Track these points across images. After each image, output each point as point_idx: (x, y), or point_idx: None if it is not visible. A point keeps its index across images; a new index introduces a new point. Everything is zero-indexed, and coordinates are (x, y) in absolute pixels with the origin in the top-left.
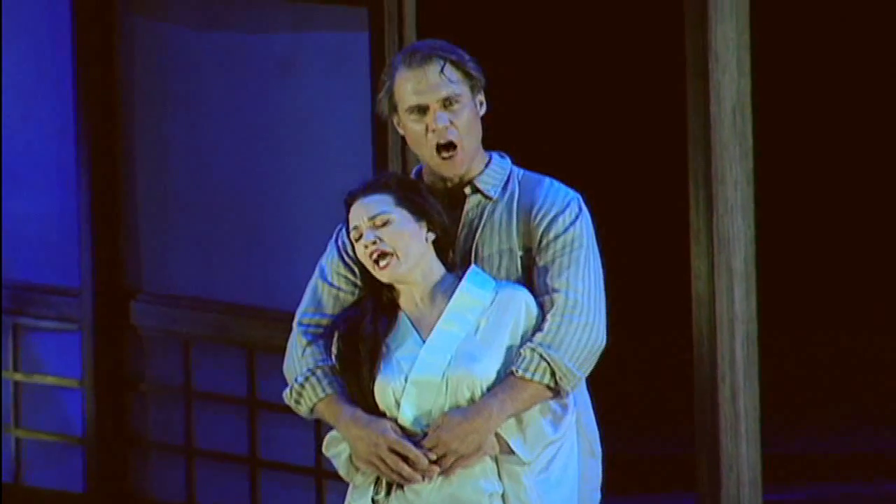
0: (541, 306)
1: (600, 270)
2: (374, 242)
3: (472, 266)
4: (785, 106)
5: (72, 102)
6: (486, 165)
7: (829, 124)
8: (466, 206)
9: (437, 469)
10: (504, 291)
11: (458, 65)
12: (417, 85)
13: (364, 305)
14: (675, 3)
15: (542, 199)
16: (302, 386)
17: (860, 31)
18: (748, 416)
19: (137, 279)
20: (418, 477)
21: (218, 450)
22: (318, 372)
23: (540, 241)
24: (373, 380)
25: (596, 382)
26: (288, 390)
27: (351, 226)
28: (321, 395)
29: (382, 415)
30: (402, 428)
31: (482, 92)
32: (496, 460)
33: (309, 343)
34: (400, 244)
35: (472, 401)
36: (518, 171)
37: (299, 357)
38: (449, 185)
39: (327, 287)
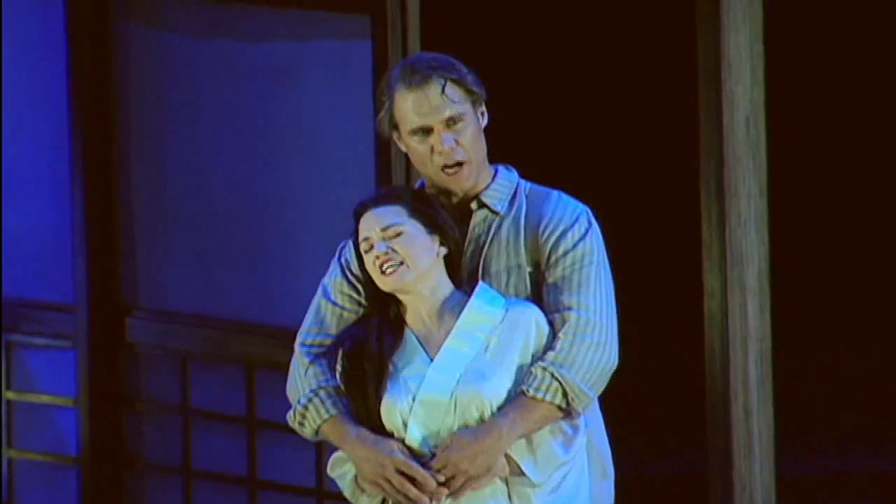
0: (551, 324)
1: (612, 287)
2: (386, 253)
3: (481, 283)
4: (800, 116)
5: (65, 113)
6: (493, 179)
7: (845, 135)
8: (473, 222)
9: (445, 491)
10: (514, 309)
11: (458, 83)
12: (419, 107)
13: (369, 322)
14: (686, 11)
15: (551, 214)
16: (305, 407)
17: (876, 38)
18: (762, 436)
19: (133, 294)
20: (426, 499)
21: (216, 470)
22: (322, 392)
23: (549, 258)
24: (379, 399)
25: (607, 402)
26: (291, 412)
27: (361, 237)
28: (325, 415)
29: (389, 435)
30: (409, 448)
31: (483, 104)
32: (506, 482)
33: (311, 363)
34: (411, 255)
35: (481, 421)
36: (525, 185)
37: (302, 378)
38: (454, 200)
39: (331, 306)
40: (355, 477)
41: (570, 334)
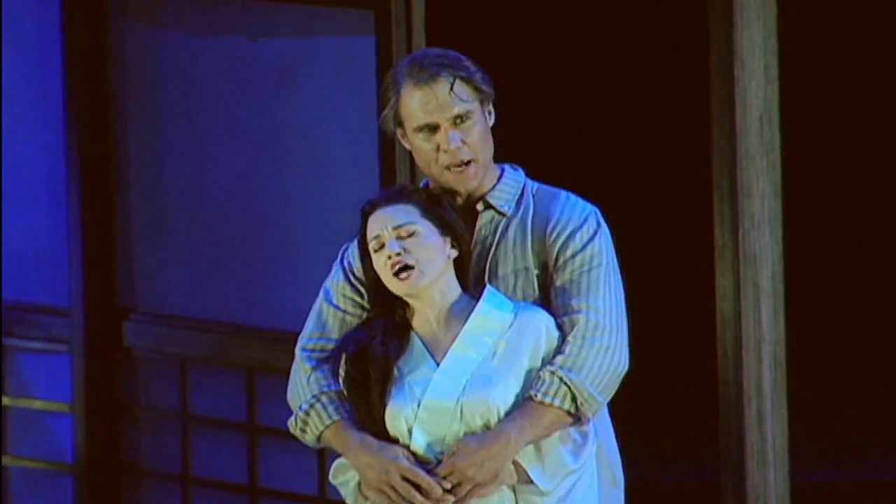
0: (559, 328)
1: (621, 290)
2: (399, 253)
3: (489, 286)
4: (815, 114)
5: (61, 113)
6: (499, 179)
7: (862, 133)
8: (479, 223)
9: (451, 498)
10: (523, 314)
11: (467, 80)
12: (426, 104)
13: (374, 326)
14: (698, 7)
15: (559, 215)
16: (307, 413)
17: (893, 34)
18: (776, 443)
19: (131, 298)
20: None
21: (216, 478)
22: (324, 398)
23: (557, 259)
24: (383, 405)
25: (617, 408)
26: (293, 419)
27: (371, 235)
28: (328, 421)
29: (393, 441)
30: (414, 455)
31: (491, 103)
32: (514, 490)
33: (313, 368)
34: (424, 257)
35: (487, 427)
36: (532, 185)
37: (303, 384)
38: (459, 200)
39: (332, 310)
40: (359, 484)
41: (580, 338)
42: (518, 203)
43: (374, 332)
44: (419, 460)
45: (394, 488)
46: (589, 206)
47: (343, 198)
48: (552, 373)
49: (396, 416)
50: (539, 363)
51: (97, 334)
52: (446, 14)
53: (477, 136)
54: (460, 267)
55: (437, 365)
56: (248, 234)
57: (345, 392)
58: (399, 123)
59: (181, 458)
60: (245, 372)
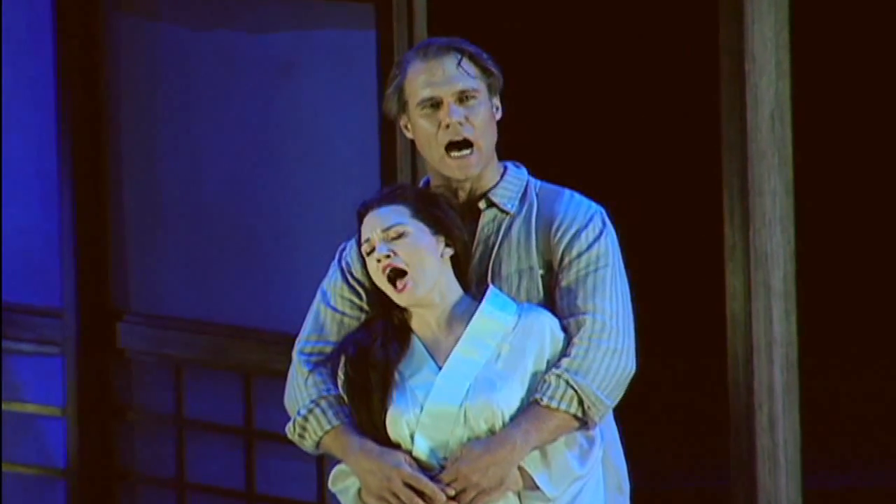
0: (565, 330)
1: (628, 290)
2: (388, 256)
3: (491, 287)
4: (828, 110)
5: (53, 109)
6: (502, 177)
7: (876, 130)
8: (481, 222)
9: None
10: (527, 316)
11: (475, 59)
12: (431, 77)
13: (374, 328)
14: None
15: (563, 214)
16: (305, 419)
17: None
18: (787, 447)
19: (125, 298)
20: None
21: (212, 484)
22: (323, 403)
23: (562, 260)
24: (384, 410)
25: (623, 412)
26: (290, 424)
27: (363, 238)
28: (327, 427)
29: (395, 447)
30: (416, 461)
31: (498, 95)
32: (519, 496)
33: (311, 372)
34: (414, 259)
35: (491, 432)
36: (536, 183)
37: (301, 388)
38: (461, 198)
39: (330, 312)
40: (359, 491)
41: (586, 340)
42: (521, 201)
43: (374, 335)
44: (422, 466)
45: (396, 495)
46: (594, 205)
47: (343, 196)
48: (558, 376)
49: (398, 421)
50: (544, 366)
51: (90, 336)
52: (449, 7)
53: (481, 117)
54: (459, 267)
55: (439, 368)
56: (245, 232)
57: (344, 396)
58: (402, 106)
59: (176, 463)
60: (242, 375)
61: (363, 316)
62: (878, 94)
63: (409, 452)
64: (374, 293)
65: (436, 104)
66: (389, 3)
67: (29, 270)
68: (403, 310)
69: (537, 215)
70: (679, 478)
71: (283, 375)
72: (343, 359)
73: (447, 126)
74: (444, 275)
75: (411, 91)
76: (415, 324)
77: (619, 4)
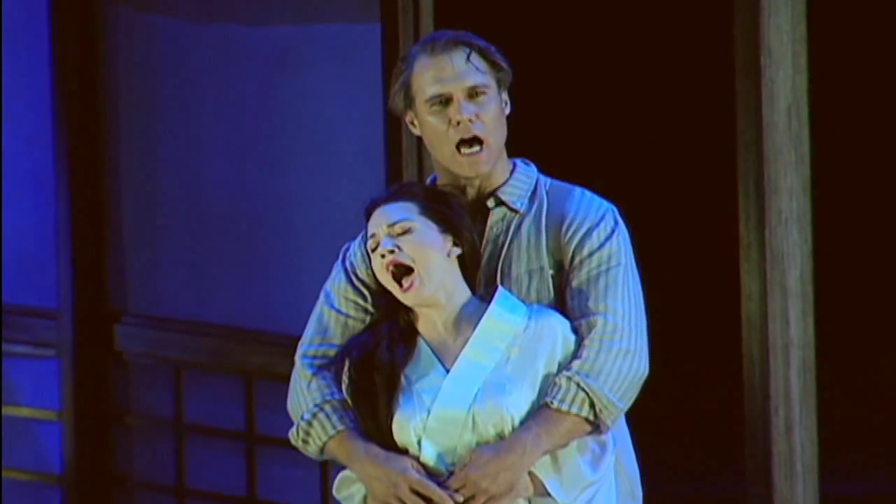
0: (576, 331)
1: (640, 290)
2: (392, 251)
3: (500, 288)
4: (846, 105)
5: (49, 104)
6: (511, 174)
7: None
8: (490, 221)
9: None
10: (538, 318)
11: (485, 53)
12: (440, 73)
13: (379, 330)
14: None
15: (574, 212)
16: (309, 424)
17: None
18: (804, 453)
19: (122, 299)
20: None
21: (212, 490)
22: (327, 407)
23: (572, 259)
24: (390, 414)
25: (634, 416)
26: (294, 430)
27: (369, 234)
28: (331, 432)
29: (402, 452)
30: (424, 467)
31: (507, 90)
32: (529, 502)
33: (314, 376)
34: (420, 256)
35: (500, 437)
36: (545, 181)
37: (305, 392)
38: (469, 196)
39: (334, 314)
40: (364, 498)
41: (597, 341)
42: (531, 199)
43: (379, 337)
44: (429, 472)
45: (403, 502)
46: (605, 203)
47: (347, 194)
48: (569, 378)
49: (404, 426)
50: (555, 369)
51: (87, 338)
52: None
53: (491, 114)
54: (467, 268)
55: (447, 372)
56: (246, 231)
57: (349, 400)
58: (409, 102)
59: (175, 469)
60: (243, 378)
61: (368, 318)
62: None
63: (416, 458)
64: (380, 294)
65: (445, 101)
66: None
67: (24, 270)
68: (410, 311)
69: (547, 214)
70: (693, 484)
71: (285, 378)
72: (347, 362)
73: (457, 123)
74: (451, 275)
75: (418, 87)
76: (421, 326)
77: (632, 1)
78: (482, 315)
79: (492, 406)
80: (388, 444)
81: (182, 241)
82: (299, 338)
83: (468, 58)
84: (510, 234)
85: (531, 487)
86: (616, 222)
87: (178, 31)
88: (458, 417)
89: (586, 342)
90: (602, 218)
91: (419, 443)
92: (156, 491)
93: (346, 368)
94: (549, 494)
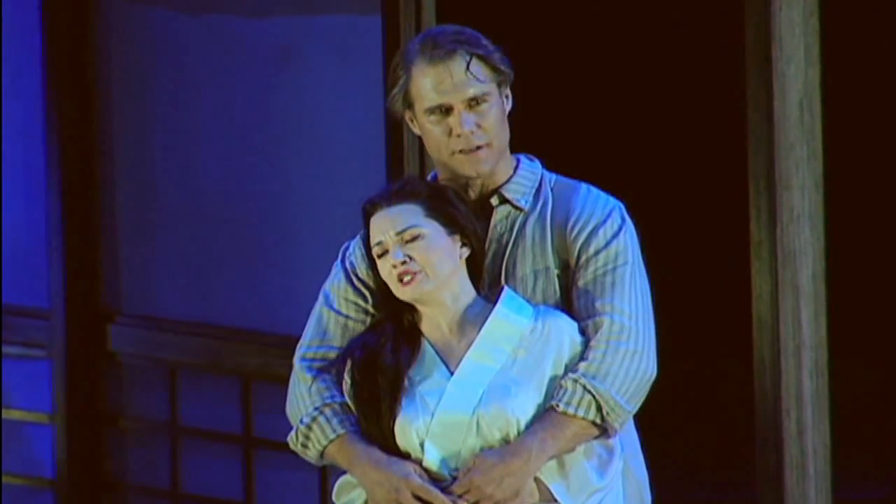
0: (582, 332)
1: (648, 290)
2: (404, 262)
3: (506, 289)
4: (859, 99)
5: (40, 98)
6: (515, 171)
7: None
8: (494, 219)
9: None
10: (544, 319)
11: (484, 59)
12: (440, 84)
13: (383, 331)
14: None
15: (580, 209)
16: (309, 427)
17: None
18: (817, 456)
19: (116, 299)
20: None
21: (208, 495)
22: (327, 410)
23: (579, 258)
24: (393, 417)
25: (642, 419)
26: (293, 434)
27: (373, 240)
28: (332, 435)
29: (404, 457)
30: (427, 472)
31: (509, 86)
32: None
33: (314, 379)
34: (431, 262)
35: (506, 441)
36: (550, 177)
37: (304, 395)
38: (472, 195)
39: (334, 315)
40: (365, 503)
41: (604, 342)
42: (536, 197)
43: (382, 338)
44: (432, 477)
45: None
46: (612, 200)
47: (347, 191)
48: (575, 381)
49: (407, 429)
50: (562, 372)
51: (79, 338)
52: None
53: (493, 120)
54: (473, 267)
55: (451, 374)
56: (243, 229)
57: (350, 403)
58: (408, 105)
59: (170, 473)
60: (240, 379)
61: (368, 319)
62: None
63: (419, 462)
64: (381, 294)
65: (445, 111)
66: None
67: (14, 270)
68: (413, 312)
69: (552, 211)
70: (703, 489)
71: (283, 380)
72: (349, 363)
73: (458, 135)
74: (459, 276)
75: (417, 94)
76: (425, 327)
77: None
78: (487, 316)
79: (497, 409)
80: (390, 447)
81: (177, 239)
82: (298, 338)
83: (468, 67)
84: (514, 232)
85: (537, 493)
86: (623, 219)
87: (173, 24)
88: (463, 421)
89: (592, 343)
90: (609, 215)
91: (422, 446)
92: (150, 496)
93: (347, 370)
94: (555, 500)
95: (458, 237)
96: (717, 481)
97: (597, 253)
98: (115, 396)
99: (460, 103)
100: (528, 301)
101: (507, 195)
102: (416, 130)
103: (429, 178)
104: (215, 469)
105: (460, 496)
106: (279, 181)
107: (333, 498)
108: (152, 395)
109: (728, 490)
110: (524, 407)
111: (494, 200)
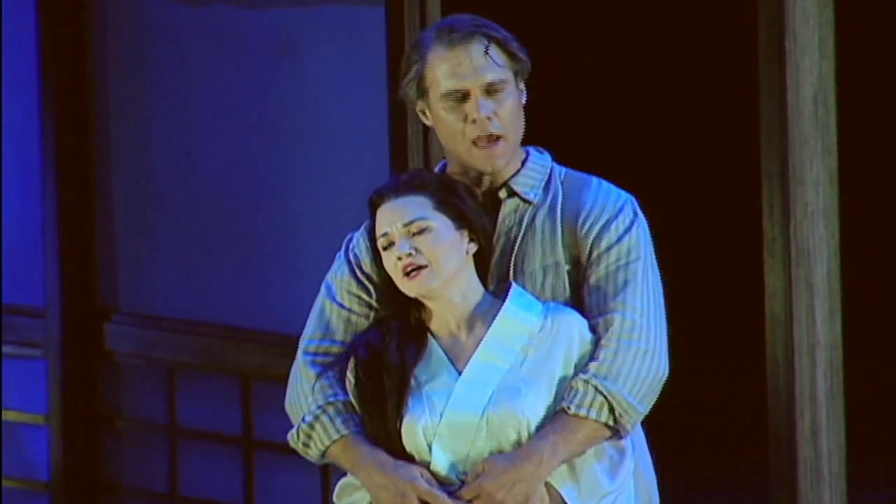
0: (593, 330)
1: (660, 287)
2: (410, 255)
3: (514, 285)
4: (874, 93)
5: (35, 91)
6: (523, 164)
7: None
8: (502, 213)
9: None
10: (554, 316)
11: (503, 45)
12: (457, 67)
13: (388, 328)
14: None
15: (591, 203)
16: (311, 426)
17: None
18: (831, 458)
19: (113, 297)
20: None
21: (207, 497)
22: (330, 409)
23: (590, 254)
24: (399, 418)
25: (651, 419)
26: (294, 432)
27: (379, 231)
28: (335, 436)
29: (410, 459)
30: (434, 475)
31: (525, 78)
32: None
33: (318, 375)
34: (438, 256)
35: (517, 443)
36: (560, 170)
37: (307, 392)
38: (480, 187)
39: (336, 308)
40: None
41: (615, 341)
42: (545, 190)
43: (388, 336)
44: (440, 481)
45: None
46: (624, 194)
47: (349, 186)
48: (586, 382)
49: (414, 431)
50: (572, 371)
51: (75, 337)
52: None
53: (509, 110)
54: (481, 263)
55: (459, 374)
56: (243, 225)
57: (354, 402)
58: (422, 93)
59: (168, 474)
60: (239, 379)
61: (372, 314)
62: None
63: (426, 465)
64: (386, 290)
65: (462, 96)
66: None
67: (9, 268)
68: (421, 309)
69: (563, 205)
70: (715, 491)
71: (284, 380)
72: (353, 361)
73: (474, 121)
74: (466, 272)
75: (433, 80)
76: (432, 324)
77: None
78: (496, 313)
79: (506, 410)
80: (396, 449)
81: (175, 236)
82: (299, 337)
83: (486, 51)
84: (523, 226)
85: (547, 498)
86: (635, 214)
87: (171, 14)
88: (472, 423)
89: (603, 342)
90: (621, 209)
91: (429, 449)
92: (148, 498)
93: (351, 368)
94: None
95: (465, 232)
96: (729, 482)
97: (608, 248)
98: (112, 397)
99: (477, 88)
100: (537, 297)
101: (517, 188)
102: (429, 122)
103: (436, 168)
104: (214, 471)
105: (469, 501)
106: (279, 176)
107: (335, 500)
108: (150, 396)
109: (740, 491)
110: (534, 407)
111: (503, 193)
